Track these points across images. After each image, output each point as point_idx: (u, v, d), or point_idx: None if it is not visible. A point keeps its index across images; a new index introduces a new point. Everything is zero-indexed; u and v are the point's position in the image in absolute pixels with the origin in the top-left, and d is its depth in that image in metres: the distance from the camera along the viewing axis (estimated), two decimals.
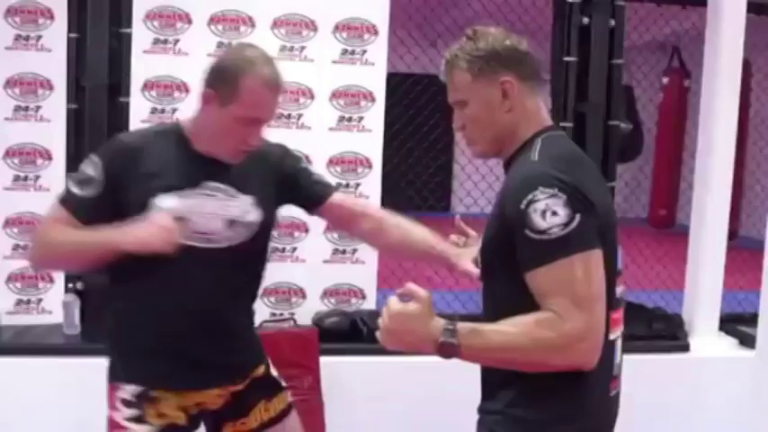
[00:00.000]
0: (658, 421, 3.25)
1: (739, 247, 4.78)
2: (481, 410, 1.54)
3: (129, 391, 1.76)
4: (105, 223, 1.70)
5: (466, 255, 1.81)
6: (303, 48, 3.28)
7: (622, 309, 1.55)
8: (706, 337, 3.54)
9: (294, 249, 3.34)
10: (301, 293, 3.36)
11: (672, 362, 3.40)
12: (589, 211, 1.37)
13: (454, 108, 1.59)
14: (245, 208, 1.78)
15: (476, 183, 4.69)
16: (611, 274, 1.44)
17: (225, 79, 1.72)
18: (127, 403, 1.75)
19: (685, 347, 3.45)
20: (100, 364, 2.92)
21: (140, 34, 3.15)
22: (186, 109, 3.17)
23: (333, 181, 3.22)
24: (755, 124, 7.26)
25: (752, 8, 3.57)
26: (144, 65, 3.17)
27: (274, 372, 1.97)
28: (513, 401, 1.45)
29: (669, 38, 7.83)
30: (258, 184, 1.82)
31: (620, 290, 1.52)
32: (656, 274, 4.54)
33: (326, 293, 3.38)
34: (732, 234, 4.83)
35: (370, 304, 3.41)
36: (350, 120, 3.34)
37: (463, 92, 1.55)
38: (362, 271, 3.39)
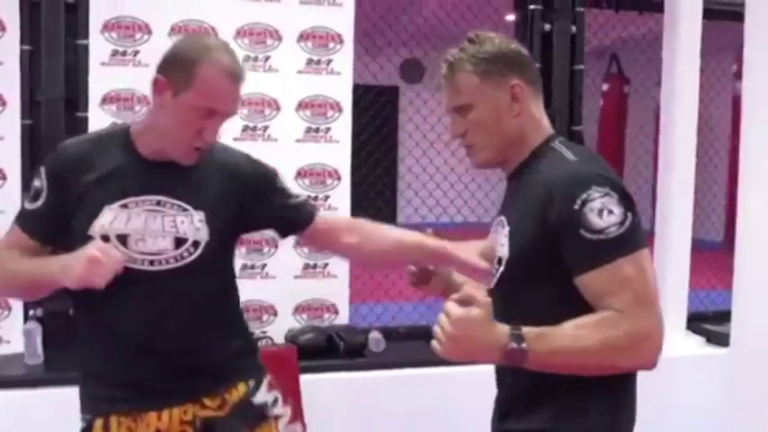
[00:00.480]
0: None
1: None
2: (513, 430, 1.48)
3: (84, 419, 1.70)
4: (59, 234, 1.63)
5: (465, 248, 1.71)
6: (267, 58, 3.20)
7: None
8: (675, 336, 3.58)
9: (264, 266, 3.24)
10: (272, 311, 3.26)
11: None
12: (635, 209, 1.35)
13: (454, 114, 1.54)
14: (195, 225, 1.64)
15: (416, 191, 4.76)
16: None
17: (179, 65, 1.59)
18: None
19: None
20: (67, 395, 2.78)
21: (98, 46, 3.01)
22: None
23: (302, 194, 3.21)
24: (700, 127, 7.46)
25: (702, 14, 3.66)
26: (102, 78, 3.03)
27: (262, 398, 1.80)
28: (555, 417, 1.41)
29: (606, 45, 8.01)
30: (213, 198, 1.68)
31: None
32: None
33: (298, 309, 3.28)
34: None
35: (342, 319, 3.34)
36: (317, 131, 3.27)
37: (469, 95, 1.50)
38: (334, 285, 3.31)
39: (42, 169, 1.64)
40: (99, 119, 3.03)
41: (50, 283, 1.60)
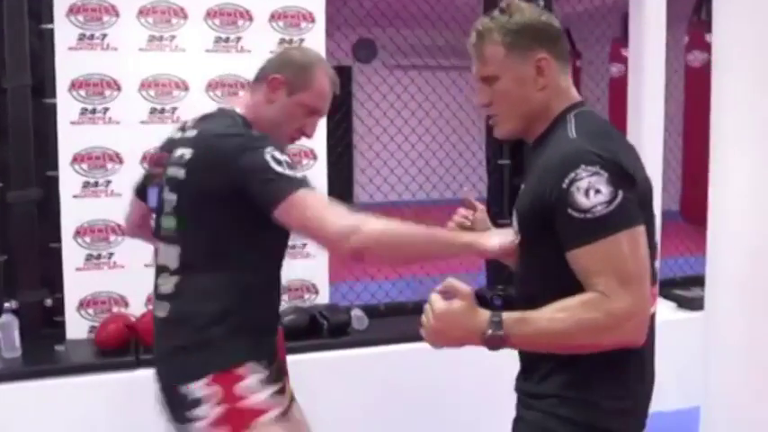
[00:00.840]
0: None
1: None
2: (529, 394, 1.51)
3: (261, 369, 1.75)
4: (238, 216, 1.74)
5: (488, 237, 1.72)
6: (239, 38, 3.16)
7: (657, 283, 1.55)
8: None
9: None
10: None
11: None
12: (631, 186, 1.35)
13: (481, 83, 1.54)
14: None
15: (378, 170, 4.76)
16: (651, 248, 1.41)
17: (298, 68, 1.84)
18: (266, 382, 1.75)
19: None
20: (48, 387, 2.75)
21: (64, 30, 2.94)
22: (120, 107, 3.01)
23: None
24: None
25: None
26: (70, 63, 2.96)
27: None
28: (568, 384, 1.43)
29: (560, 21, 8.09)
30: None
31: (656, 264, 1.52)
32: None
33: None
34: None
35: (323, 298, 3.35)
36: None
37: (495, 66, 1.49)
38: (313, 265, 3.31)
39: (277, 145, 1.70)
40: (68, 105, 2.97)
41: (458, 251, 1.70)
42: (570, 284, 1.37)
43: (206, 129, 1.81)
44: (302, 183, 1.63)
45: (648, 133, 3.62)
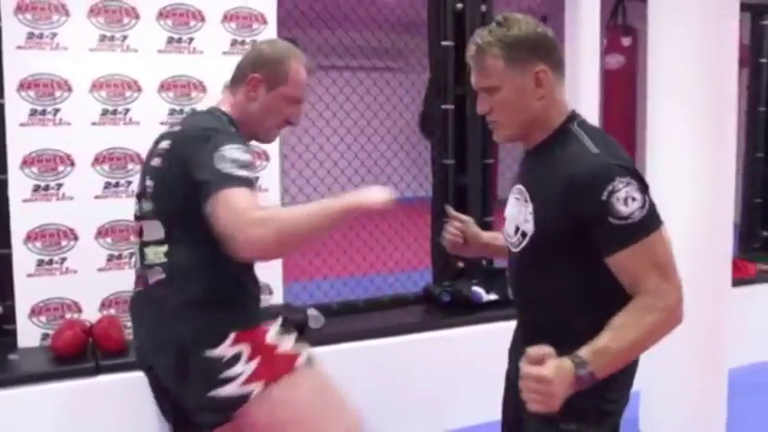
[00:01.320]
0: None
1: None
2: None
3: (277, 325, 1.90)
4: None
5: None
6: (191, 39, 3.14)
7: None
8: None
9: None
10: None
11: None
12: (649, 190, 1.51)
13: (482, 92, 1.62)
14: None
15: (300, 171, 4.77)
16: None
17: (273, 63, 1.94)
18: (284, 332, 1.89)
19: None
20: (4, 398, 2.66)
21: (11, 29, 2.85)
22: (70, 108, 2.95)
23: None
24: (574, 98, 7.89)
25: None
26: (18, 62, 2.87)
27: None
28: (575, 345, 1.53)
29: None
30: None
31: None
32: None
33: None
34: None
35: (277, 299, 3.36)
36: None
37: (495, 78, 1.58)
38: (267, 266, 3.31)
39: (242, 144, 1.77)
40: (16, 106, 2.88)
41: (338, 216, 1.72)
42: (596, 288, 1.53)
43: (187, 123, 1.99)
44: (238, 181, 1.66)
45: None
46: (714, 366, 3.28)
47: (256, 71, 1.93)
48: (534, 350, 1.40)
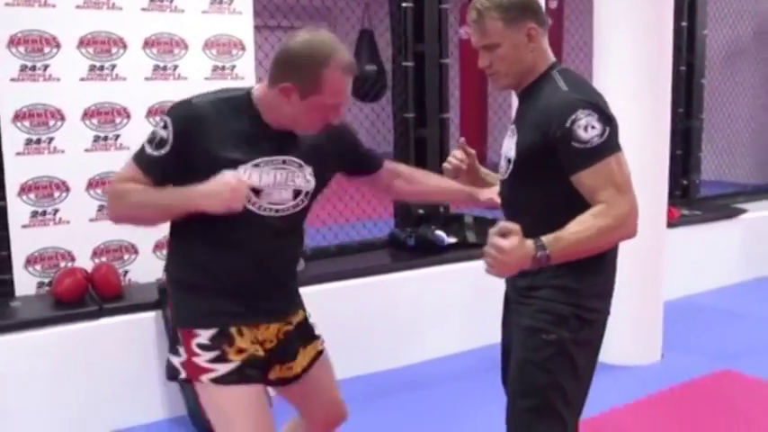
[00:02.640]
0: None
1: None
2: (526, 288, 1.89)
3: (205, 335, 1.80)
4: (174, 179, 1.75)
5: (485, 191, 2.15)
6: (176, 66, 3.31)
7: None
8: None
9: None
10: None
11: None
12: (612, 123, 1.78)
13: (482, 50, 1.88)
14: (306, 178, 1.85)
15: None
16: None
17: (306, 72, 1.71)
18: (205, 347, 1.79)
19: None
20: (10, 343, 2.78)
21: (5, 62, 2.97)
22: (59, 64, 3.06)
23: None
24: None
25: None
26: (5, 18, 2.96)
27: (311, 318, 2.05)
28: (558, 275, 1.81)
29: None
30: (319, 155, 1.88)
31: None
32: None
33: None
34: (482, 158, 5.57)
35: None
36: (223, 69, 3.41)
37: (495, 36, 1.84)
38: None
39: (169, 121, 1.73)
40: (7, 62, 2.97)
41: (183, 210, 1.73)
42: (565, 201, 1.78)
43: None
44: (136, 154, 1.77)
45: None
46: (653, 297, 3.71)
47: (288, 78, 1.72)
48: (504, 224, 1.64)
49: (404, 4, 3.96)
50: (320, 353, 2.02)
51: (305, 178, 1.84)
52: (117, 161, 3.08)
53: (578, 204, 1.77)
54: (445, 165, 2.17)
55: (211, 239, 1.79)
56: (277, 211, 1.81)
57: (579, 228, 1.71)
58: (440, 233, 3.91)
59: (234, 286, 1.82)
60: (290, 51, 1.74)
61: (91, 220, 3.19)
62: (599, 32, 3.57)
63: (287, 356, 1.94)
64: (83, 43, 3.12)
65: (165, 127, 1.73)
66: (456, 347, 3.87)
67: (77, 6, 3.09)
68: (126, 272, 3.27)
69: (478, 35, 1.88)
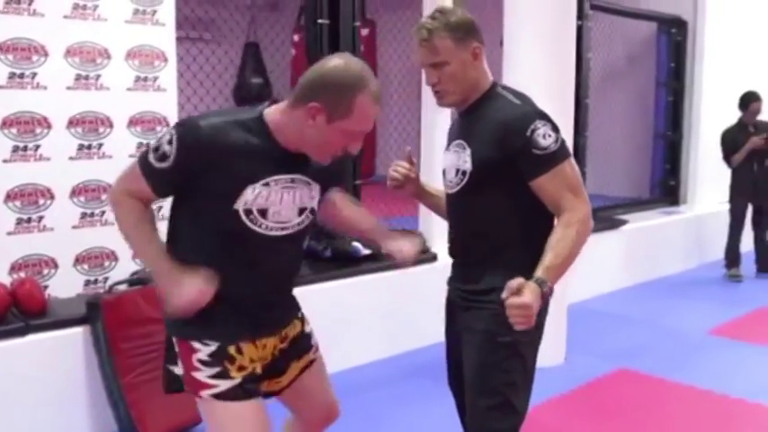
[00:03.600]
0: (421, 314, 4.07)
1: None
2: (475, 292, 2.03)
3: (205, 351, 1.81)
4: (174, 193, 1.79)
5: (393, 239, 2.11)
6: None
7: None
8: (441, 249, 4.41)
9: (103, 213, 3.30)
10: (113, 256, 3.35)
11: (427, 270, 4.20)
12: (559, 131, 1.97)
13: (430, 68, 2.01)
14: (312, 195, 1.88)
15: None
16: None
17: (337, 94, 1.70)
18: (206, 363, 1.80)
19: (435, 258, 4.30)
20: None
21: None
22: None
23: (135, 141, 3.35)
24: (381, 78, 8.40)
25: None
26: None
27: (308, 328, 2.09)
28: (504, 277, 1.87)
29: None
30: (325, 173, 1.92)
31: None
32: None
33: None
34: (370, 173, 5.72)
35: None
36: (146, 80, 3.38)
37: (445, 55, 1.98)
38: None
39: (174, 138, 1.71)
40: None
41: (151, 271, 1.82)
42: (519, 208, 1.97)
43: None
44: (141, 161, 1.78)
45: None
46: (558, 303, 3.96)
47: (318, 99, 1.70)
48: (512, 283, 1.79)
49: (320, 21, 4.05)
50: (312, 361, 2.06)
51: (310, 195, 1.87)
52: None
53: (531, 210, 1.97)
54: (392, 173, 2.23)
55: (217, 258, 1.79)
56: (283, 229, 1.82)
57: (558, 248, 1.89)
58: (356, 244, 4.02)
59: (237, 302, 1.83)
60: (324, 74, 1.73)
61: (9, 233, 3.08)
62: (509, 57, 3.81)
63: (276, 372, 1.98)
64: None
65: (170, 142, 1.72)
66: (374, 355, 3.99)
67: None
68: (46, 287, 3.16)
69: (428, 53, 2.00)
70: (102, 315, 2.92)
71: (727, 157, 5.91)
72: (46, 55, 3.11)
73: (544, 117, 1.94)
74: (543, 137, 1.91)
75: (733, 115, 5.99)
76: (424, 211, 4.51)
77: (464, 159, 2.02)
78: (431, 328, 4.39)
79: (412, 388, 3.63)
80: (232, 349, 1.82)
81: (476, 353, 2.03)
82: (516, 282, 1.79)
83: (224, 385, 1.80)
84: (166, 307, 1.77)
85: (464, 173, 2.03)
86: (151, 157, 1.74)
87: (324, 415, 2.11)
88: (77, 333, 2.97)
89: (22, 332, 2.85)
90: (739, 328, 4.76)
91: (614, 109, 6.78)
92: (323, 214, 2.07)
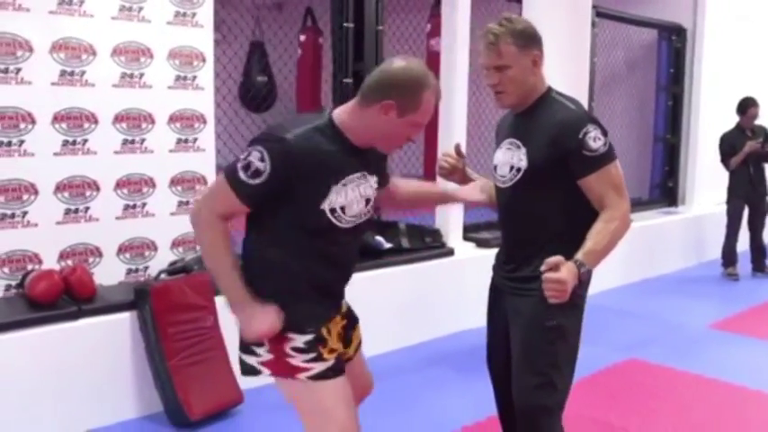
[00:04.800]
0: (439, 305, 4.25)
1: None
2: (523, 279, 2.21)
3: (300, 340, 1.97)
4: (265, 204, 1.92)
5: (468, 189, 2.41)
6: (142, 74, 3.37)
7: None
8: (457, 244, 4.61)
9: (144, 205, 3.46)
10: (153, 246, 3.51)
11: (444, 264, 4.40)
12: (608, 135, 2.16)
13: (493, 70, 2.19)
14: (373, 185, 2.06)
15: None
16: None
17: (407, 91, 1.92)
18: (301, 350, 1.96)
19: (452, 252, 4.48)
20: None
21: None
22: (30, 69, 3.12)
23: (175, 137, 3.50)
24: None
25: None
26: None
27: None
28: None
29: None
30: (378, 165, 2.12)
31: None
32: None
33: (175, 243, 3.58)
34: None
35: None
36: (185, 79, 3.55)
37: (508, 59, 2.16)
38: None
39: (266, 155, 1.86)
40: None
41: (227, 300, 1.97)
42: (566, 204, 2.15)
43: None
44: (231, 179, 1.89)
45: (459, 105, 4.53)
46: None
47: (391, 97, 1.91)
48: (551, 259, 1.97)
49: (345, 25, 4.23)
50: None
51: (372, 187, 2.05)
52: (84, 165, 3.24)
53: (577, 206, 2.15)
54: (441, 163, 2.44)
55: (303, 253, 1.97)
56: (355, 221, 2.01)
57: (599, 237, 2.08)
58: (379, 238, 4.20)
59: (322, 291, 2.02)
60: (393, 75, 1.94)
61: (58, 223, 3.23)
62: None
63: (345, 343, 2.15)
64: (55, 48, 3.17)
65: (261, 159, 1.85)
66: (396, 344, 4.16)
67: (51, 12, 3.15)
68: (92, 274, 3.32)
69: (493, 56, 2.18)
70: (150, 301, 3.08)
71: (725, 160, 6.14)
72: (94, 54, 3.28)
73: (595, 122, 2.14)
74: (594, 140, 2.10)
75: (730, 119, 6.21)
76: (440, 207, 4.70)
77: (519, 157, 2.21)
78: (450, 319, 4.63)
79: (434, 375, 3.81)
80: (324, 332, 2.00)
81: (523, 335, 2.23)
82: (555, 258, 1.97)
83: (319, 367, 1.97)
84: (240, 332, 1.97)
85: (518, 170, 2.21)
86: (243, 176, 1.87)
87: (365, 384, 2.28)
88: (125, 318, 3.14)
89: (74, 316, 3.02)
90: (739, 323, 4.98)
91: (616, 112, 6.98)
92: (385, 199, 2.28)
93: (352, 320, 2.20)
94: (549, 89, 2.27)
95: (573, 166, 2.13)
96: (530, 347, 2.21)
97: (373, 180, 2.07)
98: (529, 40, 2.19)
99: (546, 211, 2.21)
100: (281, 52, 7.97)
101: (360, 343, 2.25)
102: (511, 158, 2.25)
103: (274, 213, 1.94)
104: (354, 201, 1.98)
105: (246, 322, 1.94)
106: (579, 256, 2.03)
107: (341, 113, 1.99)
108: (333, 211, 1.93)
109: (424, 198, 2.54)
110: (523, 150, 2.21)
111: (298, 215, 1.93)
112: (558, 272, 1.96)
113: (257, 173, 1.86)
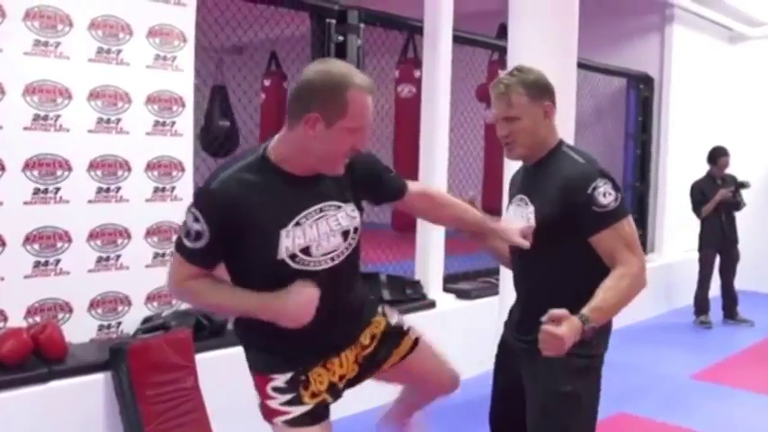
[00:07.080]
0: None
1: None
2: (537, 342, 1.99)
3: (281, 379, 1.89)
4: (222, 259, 1.84)
5: (507, 228, 2.16)
6: (120, 51, 3.22)
7: None
8: (438, 296, 4.50)
9: (118, 257, 3.27)
10: (127, 301, 3.31)
11: (425, 317, 4.26)
12: (620, 190, 2.07)
13: (503, 121, 2.11)
14: (350, 215, 1.90)
15: None
16: None
17: (328, 97, 1.72)
18: (281, 390, 1.88)
19: (433, 304, 4.36)
20: None
21: None
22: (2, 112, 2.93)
23: (152, 185, 3.34)
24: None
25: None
26: None
27: (393, 319, 2.14)
28: None
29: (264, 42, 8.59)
30: (349, 189, 1.92)
31: None
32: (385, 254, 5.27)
33: (150, 298, 3.38)
34: None
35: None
36: (164, 124, 3.39)
37: (519, 110, 2.09)
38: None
39: (198, 213, 1.76)
40: None
41: (252, 314, 1.86)
42: (579, 263, 2.05)
43: None
44: (178, 248, 1.84)
45: (440, 149, 4.46)
46: None
47: (312, 107, 1.72)
48: (555, 312, 1.85)
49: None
50: (416, 341, 2.18)
51: (348, 216, 1.90)
52: (55, 215, 3.04)
53: (590, 265, 2.04)
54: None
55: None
56: (332, 258, 1.87)
57: (609, 294, 1.96)
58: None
59: (307, 334, 1.86)
60: (309, 82, 1.75)
61: (26, 276, 3.02)
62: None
63: (375, 366, 2.09)
64: (28, 91, 2.99)
65: (196, 220, 1.77)
66: (380, 400, 3.97)
67: (25, 53, 2.98)
68: (62, 332, 3.09)
69: (504, 107, 2.11)
70: (127, 360, 2.88)
71: (697, 208, 6.18)
72: (70, 97, 3.11)
73: (606, 176, 2.04)
74: (603, 195, 2.01)
75: (698, 167, 6.27)
76: (420, 257, 4.59)
77: (527, 216, 2.12)
78: None
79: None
80: (310, 374, 1.91)
81: (539, 403, 2.11)
82: (560, 312, 1.85)
83: (296, 411, 1.89)
84: (283, 323, 1.82)
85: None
86: (188, 243, 1.80)
87: (442, 383, 2.28)
88: (99, 379, 2.93)
89: (45, 378, 2.79)
90: (720, 373, 4.96)
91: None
92: (419, 210, 2.27)
93: (392, 340, 2.11)
94: (561, 142, 2.18)
95: (582, 223, 2.03)
96: (544, 414, 2.09)
97: (349, 208, 1.91)
98: (541, 90, 2.11)
99: (560, 270, 2.10)
100: (240, 95, 7.87)
101: (417, 351, 2.16)
102: (521, 215, 2.16)
103: (239, 266, 1.85)
104: (322, 237, 1.84)
105: (282, 310, 1.80)
106: (585, 311, 1.90)
107: (275, 144, 1.83)
108: (293, 257, 1.80)
109: (467, 224, 2.27)
110: (531, 208, 2.13)
111: (261, 267, 1.82)
112: (559, 326, 1.84)
113: (198, 235, 1.77)
